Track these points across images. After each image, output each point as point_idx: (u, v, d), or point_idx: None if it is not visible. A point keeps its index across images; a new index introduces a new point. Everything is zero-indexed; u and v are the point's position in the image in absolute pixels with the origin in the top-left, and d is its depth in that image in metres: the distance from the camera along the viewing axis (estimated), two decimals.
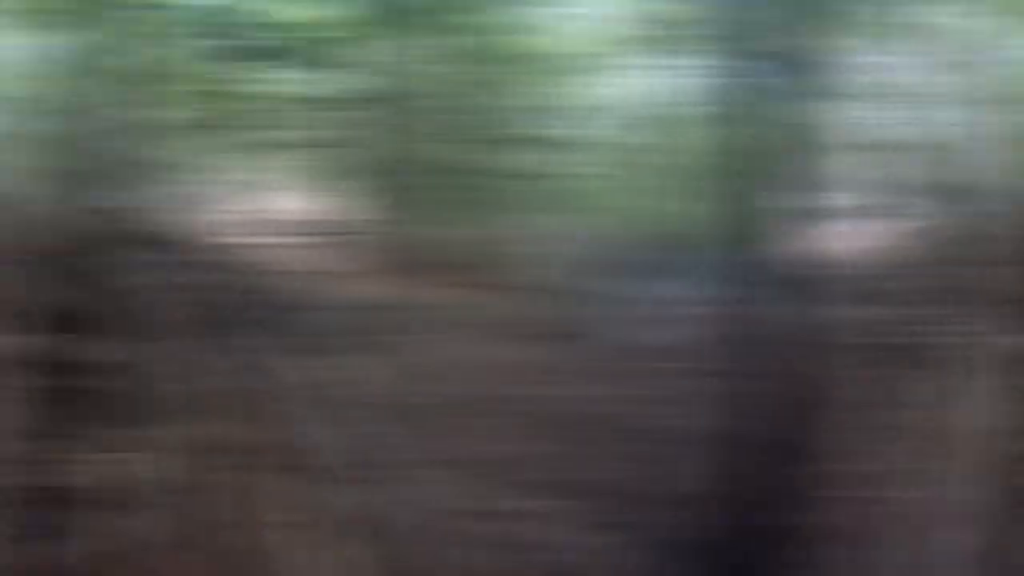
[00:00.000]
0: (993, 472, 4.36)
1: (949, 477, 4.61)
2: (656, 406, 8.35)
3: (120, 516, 4.72)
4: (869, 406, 5.96)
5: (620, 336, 12.32)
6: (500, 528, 5.46)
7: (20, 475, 5.04)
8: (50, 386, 5.23)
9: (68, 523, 5.02)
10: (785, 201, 6.23)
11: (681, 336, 12.52)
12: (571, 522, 5.58)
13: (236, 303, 6.18)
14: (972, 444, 4.49)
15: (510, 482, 6.31)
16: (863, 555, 5.24)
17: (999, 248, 6.24)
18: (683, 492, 5.70)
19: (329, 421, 6.68)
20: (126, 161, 10.64)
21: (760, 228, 6.17)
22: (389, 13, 12.97)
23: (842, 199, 10.49)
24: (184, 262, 6.62)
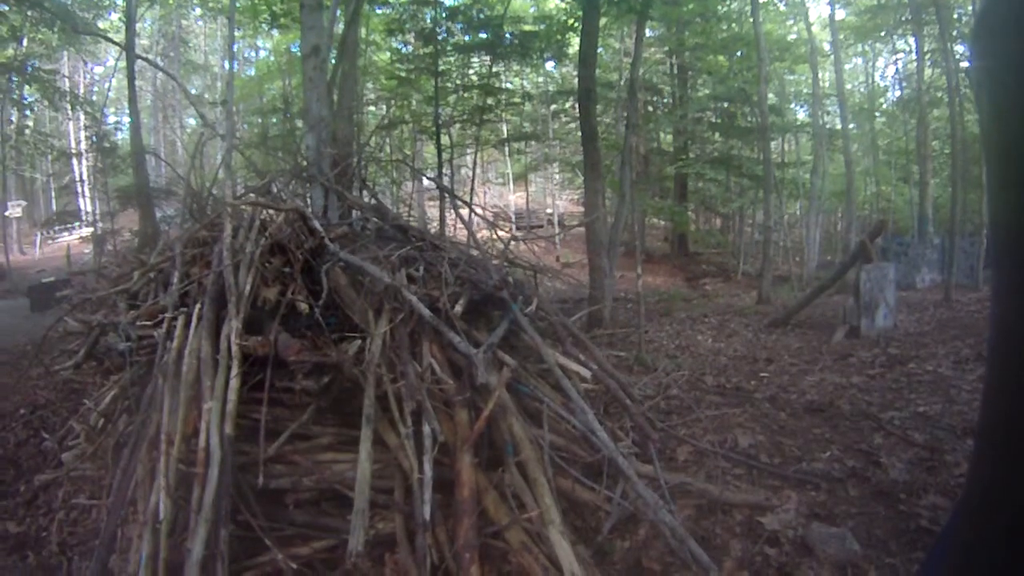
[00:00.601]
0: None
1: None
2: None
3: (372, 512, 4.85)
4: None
5: (880, 323, 12.75)
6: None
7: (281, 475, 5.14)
8: (289, 387, 5.34)
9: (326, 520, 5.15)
10: None
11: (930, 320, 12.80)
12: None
13: (496, 293, 6.31)
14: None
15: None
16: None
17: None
18: None
19: (601, 414, 6.85)
20: (371, 158, 10.84)
21: None
22: (620, 4, 13.62)
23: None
24: (438, 256, 6.78)
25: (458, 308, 5.74)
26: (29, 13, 20.95)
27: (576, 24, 17.26)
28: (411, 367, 5.17)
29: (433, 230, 14.38)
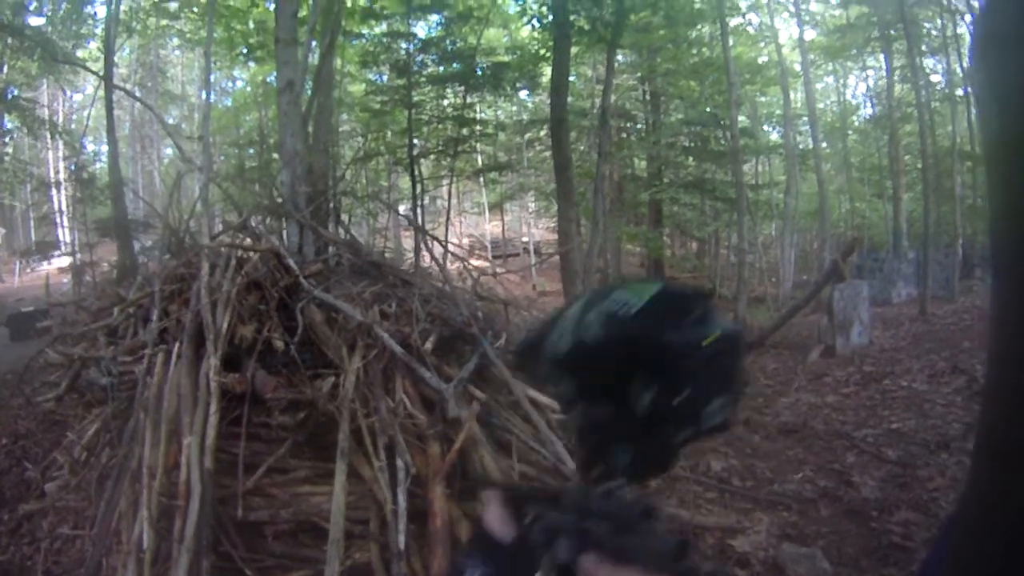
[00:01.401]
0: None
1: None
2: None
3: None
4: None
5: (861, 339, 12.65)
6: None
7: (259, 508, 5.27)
8: (266, 422, 5.46)
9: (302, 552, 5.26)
10: None
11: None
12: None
13: (466, 329, 6.44)
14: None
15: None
16: None
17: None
18: None
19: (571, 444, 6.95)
20: (347, 192, 10.78)
21: None
22: (591, 33, 13.52)
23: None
24: (410, 292, 6.88)
25: (428, 345, 5.89)
26: (9, 41, 20.94)
27: (547, 54, 17.45)
28: (383, 402, 5.33)
29: (409, 261, 14.47)
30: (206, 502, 4.60)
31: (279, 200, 8.01)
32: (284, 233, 7.86)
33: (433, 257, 8.61)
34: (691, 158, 29.75)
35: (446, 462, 5.12)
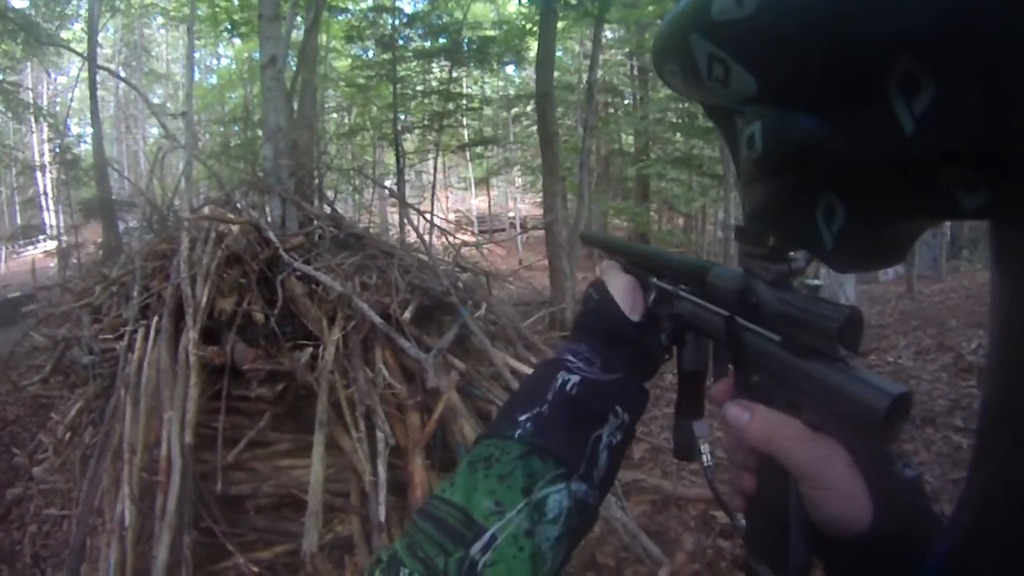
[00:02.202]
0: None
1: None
2: None
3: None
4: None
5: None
6: None
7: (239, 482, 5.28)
8: (246, 395, 5.44)
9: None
10: None
11: None
12: None
13: (445, 298, 6.42)
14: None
15: None
16: None
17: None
18: None
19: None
20: (331, 167, 10.76)
21: None
22: (577, 8, 13.48)
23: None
24: (391, 263, 6.86)
25: (407, 314, 5.87)
26: None
27: (534, 28, 17.37)
28: (361, 373, 5.32)
29: (395, 236, 14.42)
30: (187, 477, 4.60)
31: (261, 175, 7.97)
32: (267, 208, 7.82)
33: (415, 229, 8.57)
34: (678, 134, 29.67)
35: (425, 433, 5.11)
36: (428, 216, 9.23)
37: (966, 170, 0.51)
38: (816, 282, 0.78)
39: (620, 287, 1.09)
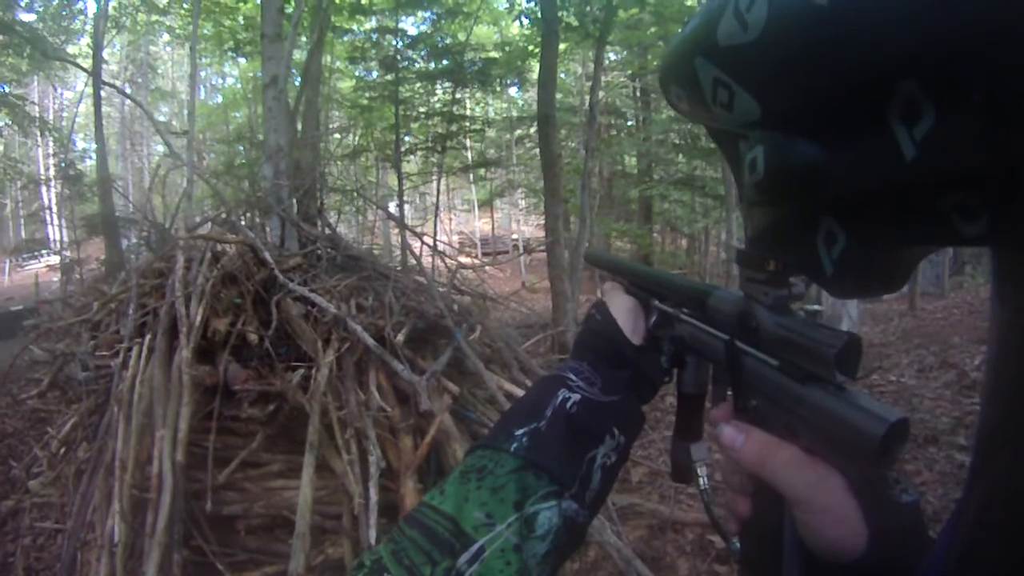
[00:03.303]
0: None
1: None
2: None
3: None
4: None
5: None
6: None
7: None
8: (237, 415, 5.44)
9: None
10: None
11: None
12: None
13: (439, 321, 6.41)
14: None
15: None
16: None
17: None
18: None
19: None
20: (333, 188, 10.79)
21: None
22: (579, 30, 13.47)
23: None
24: (387, 285, 6.85)
25: (400, 337, 5.86)
26: (0, 37, 20.84)
27: (536, 50, 17.41)
28: (353, 395, 5.32)
29: (397, 258, 14.41)
30: (178, 496, 4.59)
31: (260, 195, 7.99)
32: (266, 228, 7.84)
33: (411, 251, 8.58)
34: (681, 155, 29.67)
35: (418, 456, 5.11)
36: (427, 238, 9.24)
37: (966, 196, 0.52)
38: (816, 307, 0.81)
39: (622, 309, 1.10)
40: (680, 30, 0.75)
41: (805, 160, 0.64)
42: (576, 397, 0.97)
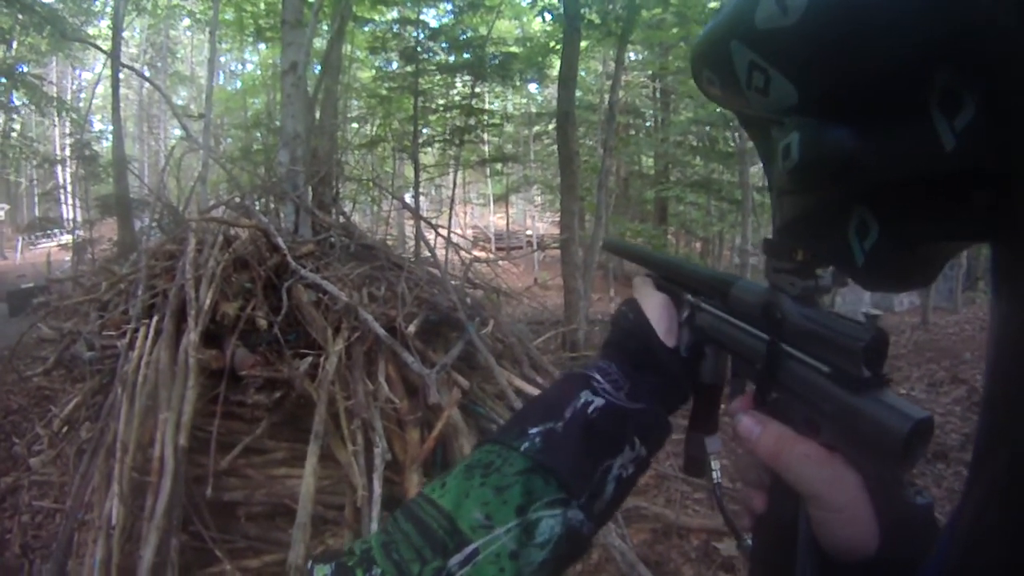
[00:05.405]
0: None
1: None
2: None
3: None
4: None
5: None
6: None
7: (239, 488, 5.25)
8: (242, 400, 5.41)
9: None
10: None
11: None
12: None
13: (452, 314, 6.38)
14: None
15: None
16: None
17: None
18: None
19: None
20: (349, 177, 10.76)
21: None
22: (601, 27, 13.52)
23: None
24: (400, 275, 6.82)
25: (412, 328, 5.80)
26: (20, 16, 20.89)
27: (557, 47, 17.39)
28: (361, 385, 5.26)
29: (412, 249, 14.41)
30: (179, 480, 4.54)
31: (275, 180, 7.95)
32: (281, 214, 7.81)
33: (426, 243, 8.54)
34: (698, 157, 29.67)
35: (424, 449, 5.05)
36: (442, 230, 9.21)
37: (1003, 190, 0.49)
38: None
39: (655, 306, 1.04)
40: (715, 14, 0.72)
41: (841, 147, 0.61)
42: (600, 402, 0.92)
